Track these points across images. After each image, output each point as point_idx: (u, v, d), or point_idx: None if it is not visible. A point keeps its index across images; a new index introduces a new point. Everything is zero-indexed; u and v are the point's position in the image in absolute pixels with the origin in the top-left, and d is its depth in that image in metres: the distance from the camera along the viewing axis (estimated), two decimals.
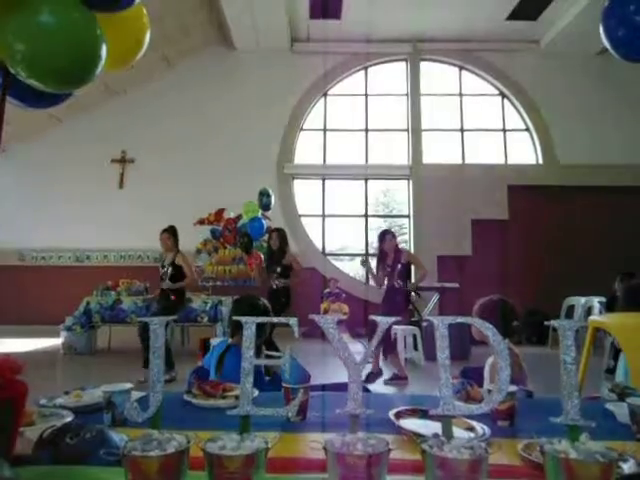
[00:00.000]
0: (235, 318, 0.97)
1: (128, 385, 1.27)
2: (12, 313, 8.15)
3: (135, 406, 0.90)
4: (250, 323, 0.94)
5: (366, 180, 9.46)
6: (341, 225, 9.54)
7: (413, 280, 5.04)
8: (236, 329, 2.12)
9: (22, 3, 1.33)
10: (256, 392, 1.43)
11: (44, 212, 8.71)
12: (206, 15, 8.69)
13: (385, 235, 4.95)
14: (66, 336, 6.14)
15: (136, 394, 1.33)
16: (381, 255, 4.94)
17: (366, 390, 1.69)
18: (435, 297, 7.42)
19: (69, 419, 1.18)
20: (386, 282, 4.89)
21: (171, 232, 4.98)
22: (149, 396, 0.92)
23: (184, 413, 1.33)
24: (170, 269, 4.87)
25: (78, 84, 1.53)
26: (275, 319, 0.97)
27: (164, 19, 7.61)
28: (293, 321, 0.97)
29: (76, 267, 8.76)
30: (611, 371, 5.14)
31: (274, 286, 4.90)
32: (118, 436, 0.96)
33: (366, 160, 9.49)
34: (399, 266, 4.81)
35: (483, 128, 9.58)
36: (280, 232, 5.12)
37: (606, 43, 1.89)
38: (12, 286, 8.48)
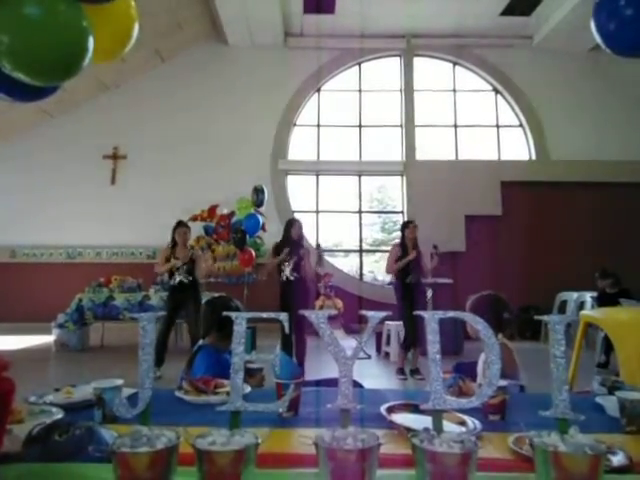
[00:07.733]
0: (226, 314, 0.95)
1: (119, 381, 1.26)
2: (3, 310, 8.09)
3: (124, 402, 0.89)
4: (241, 318, 0.93)
5: (360, 176, 9.45)
6: (335, 221, 9.53)
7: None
8: (209, 329, 2.09)
9: None
10: (248, 388, 1.43)
11: (35, 209, 8.63)
12: (199, 10, 8.62)
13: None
14: (58, 333, 6.12)
15: (127, 390, 1.32)
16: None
17: (358, 385, 1.70)
18: (429, 292, 7.43)
19: (59, 416, 1.17)
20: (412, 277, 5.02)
21: (188, 226, 5.05)
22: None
23: (175, 409, 1.33)
24: (189, 264, 4.88)
25: (65, 77, 1.51)
26: (264, 314, 0.95)
27: (157, 14, 7.54)
28: (283, 316, 0.96)
29: (68, 264, 8.69)
30: (602, 365, 5.20)
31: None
32: (107, 433, 0.96)
33: (360, 156, 9.48)
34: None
35: (476, 124, 9.60)
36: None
37: (597, 37, 1.90)
38: (3, 283, 8.42)
